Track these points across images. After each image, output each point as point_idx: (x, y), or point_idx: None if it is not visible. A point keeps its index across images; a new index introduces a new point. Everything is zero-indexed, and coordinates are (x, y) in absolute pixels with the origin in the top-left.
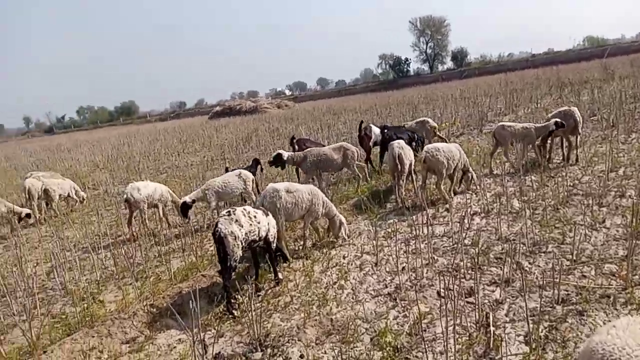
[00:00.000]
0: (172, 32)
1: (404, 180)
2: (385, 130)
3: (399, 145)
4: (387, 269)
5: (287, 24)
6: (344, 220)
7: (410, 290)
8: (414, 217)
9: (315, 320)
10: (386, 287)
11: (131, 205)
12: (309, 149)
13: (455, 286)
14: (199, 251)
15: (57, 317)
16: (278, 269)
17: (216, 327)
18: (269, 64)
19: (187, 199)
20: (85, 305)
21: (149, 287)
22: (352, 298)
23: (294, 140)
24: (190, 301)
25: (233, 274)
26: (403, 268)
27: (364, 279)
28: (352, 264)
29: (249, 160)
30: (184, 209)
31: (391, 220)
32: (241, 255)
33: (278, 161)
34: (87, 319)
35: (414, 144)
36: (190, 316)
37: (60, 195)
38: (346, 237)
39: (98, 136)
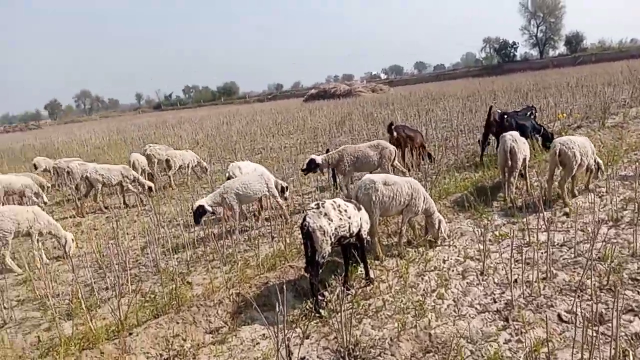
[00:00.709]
0: (273, 17)
1: (515, 177)
2: (505, 117)
3: (512, 138)
4: (496, 280)
5: (390, 6)
6: (442, 218)
7: (524, 309)
8: (525, 219)
9: (411, 333)
10: (495, 302)
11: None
12: (343, 148)
13: (582, 310)
14: (288, 238)
15: (146, 296)
16: (369, 268)
17: (302, 327)
18: (365, 47)
19: (205, 203)
20: (174, 285)
21: (236, 272)
22: (454, 311)
23: (392, 127)
24: (277, 302)
25: (320, 270)
26: (515, 280)
27: (468, 289)
28: (453, 270)
29: (340, 144)
30: (199, 214)
31: (499, 222)
32: (330, 251)
33: (312, 167)
34: (173, 302)
35: (537, 136)
36: (276, 311)
37: (180, 165)
38: (446, 237)
39: (200, 114)
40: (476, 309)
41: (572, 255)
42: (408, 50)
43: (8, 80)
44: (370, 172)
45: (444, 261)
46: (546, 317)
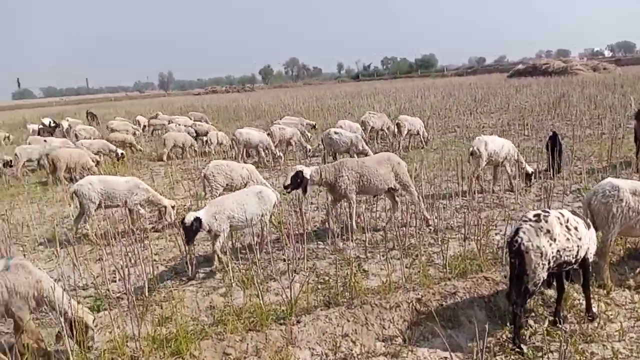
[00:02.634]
0: None
1: None
2: None
3: None
4: None
5: None
6: None
7: None
8: None
9: None
10: None
11: (476, 158)
12: (342, 162)
13: None
14: (484, 239)
15: (320, 277)
16: (592, 300)
17: None
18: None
19: (202, 216)
20: (349, 271)
21: (418, 269)
22: None
23: None
24: (465, 320)
25: (528, 300)
26: None
27: None
28: None
29: (549, 130)
30: (190, 231)
31: None
32: (545, 278)
33: (298, 182)
34: (346, 292)
35: None
36: (463, 332)
37: (409, 130)
38: None
39: (395, 86)
40: None
41: None
42: None
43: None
44: (376, 196)
45: None
46: None
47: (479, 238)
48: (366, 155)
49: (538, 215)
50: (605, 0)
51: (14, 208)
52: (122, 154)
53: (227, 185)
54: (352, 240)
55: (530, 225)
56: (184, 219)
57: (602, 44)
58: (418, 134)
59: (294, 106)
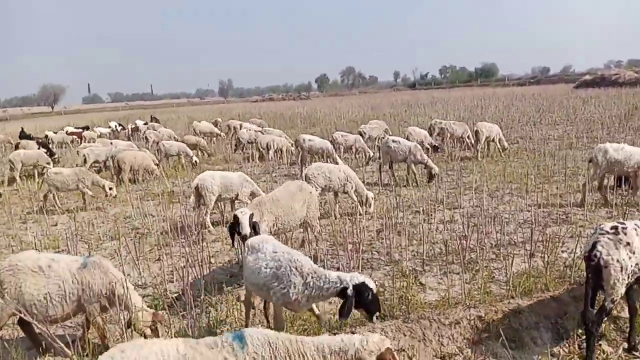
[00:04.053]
0: None
1: None
2: None
3: None
4: None
5: None
6: None
7: None
8: None
9: None
10: None
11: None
12: (260, 201)
13: None
14: (550, 255)
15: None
16: None
17: None
18: None
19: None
20: (405, 283)
21: (479, 285)
22: None
23: None
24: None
25: (605, 318)
26: None
27: None
28: None
29: (624, 141)
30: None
31: None
32: (622, 294)
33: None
34: (402, 306)
35: None
36: (529, 356)
37: (487, 137)
38: None
39: (454, 95)
40: None
41: None
42: None
43: (288, 54)
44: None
45: None
46: None
47: (545, 255)
48: (426, 165)
49: (615, 227)
50: None
51: (81, 208)
52: (196, 161)
53: (325, 186)
54: (408, 251)
55: (609, 238)
56: None
57: None
58: (494, 140)
59: (349, 114)
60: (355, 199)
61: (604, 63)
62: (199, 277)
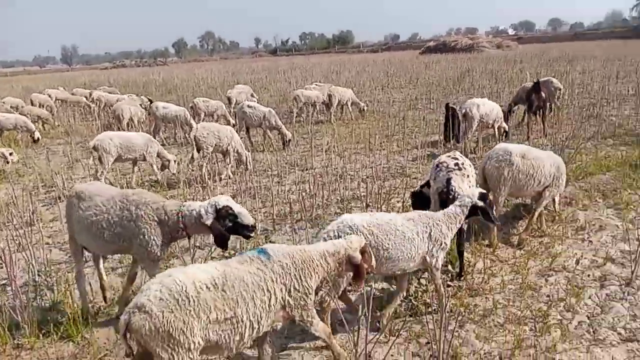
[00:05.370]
0: None
1: None
2: None
3: None
4: None
5: None
6: None
7: None
8: None
9: (529, 355)
10: None
11: (467, 120)
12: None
13: None
14: (383, 204)
15: None
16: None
17: (389, 322)
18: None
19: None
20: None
21: None
22: (588, 332)
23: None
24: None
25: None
26: None
27: (608, 304)
28: (588, 274)
29: (458, 103)
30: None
31: None
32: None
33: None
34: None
35: None
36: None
37: (339, 101)
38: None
39: (312, 62)
40: (620, 334)
41: None
42: (544, 4)
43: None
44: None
45: (577, 261)
46: None
47: (379, 204)
48: (279, 131)
49: (457, 163)
50: None
51: None
52: (38, 138)
53: (215, 145)
54: (260, 213)
55: (456, 174)
56: None
57: (507, 22)
58: (347, 104)
59: (208, 80)
60: (229, 161)
61: (446, 31)
62: (31, 260)
